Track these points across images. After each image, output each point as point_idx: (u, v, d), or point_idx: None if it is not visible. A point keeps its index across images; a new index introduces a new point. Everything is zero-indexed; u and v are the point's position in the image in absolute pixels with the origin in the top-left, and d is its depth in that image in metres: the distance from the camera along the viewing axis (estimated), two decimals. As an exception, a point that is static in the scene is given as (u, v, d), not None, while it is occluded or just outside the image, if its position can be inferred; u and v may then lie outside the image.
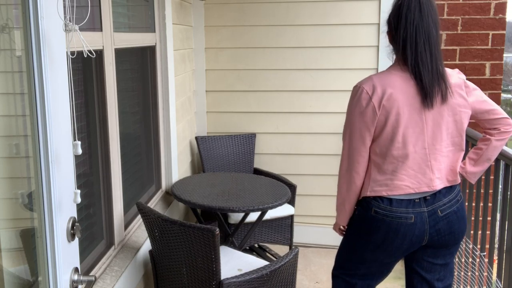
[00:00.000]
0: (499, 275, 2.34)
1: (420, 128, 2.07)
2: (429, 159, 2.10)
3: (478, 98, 2.14)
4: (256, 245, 3.75)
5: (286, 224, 3.62)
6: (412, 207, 2.09)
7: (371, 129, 2.08)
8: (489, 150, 2.19)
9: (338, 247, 2.39)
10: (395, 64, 2.12)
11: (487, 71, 3.80)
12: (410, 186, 2.09)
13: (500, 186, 2.41)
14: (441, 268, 2.23)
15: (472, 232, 2.73)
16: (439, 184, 2.11)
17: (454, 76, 2.13)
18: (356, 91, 2.09)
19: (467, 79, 2.16)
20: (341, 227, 2.34)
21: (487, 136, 2.19)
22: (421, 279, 2.26)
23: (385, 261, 2.23)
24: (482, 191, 2.69)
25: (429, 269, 2.23)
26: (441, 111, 2.07)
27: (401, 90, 2.05)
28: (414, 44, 2.04)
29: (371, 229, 2.15)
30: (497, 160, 2.44)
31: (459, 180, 2.18)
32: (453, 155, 2.15)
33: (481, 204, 2.72)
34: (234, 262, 2.69)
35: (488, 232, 2.62)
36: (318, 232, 4.14)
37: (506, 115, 2.18)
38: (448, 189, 2.14)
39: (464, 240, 2.83)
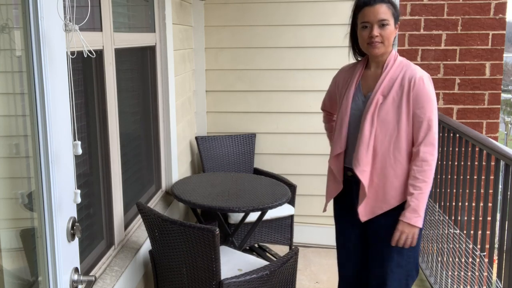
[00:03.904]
0: (499, 275, 2.34)
1: None
2: None
3: None
4: (256, 245, 3.75)
5: (286, 224, 3.62)
6: None
7: None
8: None
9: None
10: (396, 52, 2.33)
11: (487, 71, 3.79)
12: None
13: (500, 186, 2.40)
14: None
15: (472, 232, 2.73)
16: None
17: None
18: (429, 79, 2.18)
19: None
20: None
21: None
22: None
23: None
24: (482, 191, 2.69)
25: None
26: None
27: None
28: None
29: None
30: (497, 160, 2.44)
31: None
32: None
33: (481, 204, 2.72)
34: (234, 262, 2.68)
35: (488, 232, 2.61)
36: (318, 232, 4.13)
37: None
38: None
39: (464, 240, 2.83)
